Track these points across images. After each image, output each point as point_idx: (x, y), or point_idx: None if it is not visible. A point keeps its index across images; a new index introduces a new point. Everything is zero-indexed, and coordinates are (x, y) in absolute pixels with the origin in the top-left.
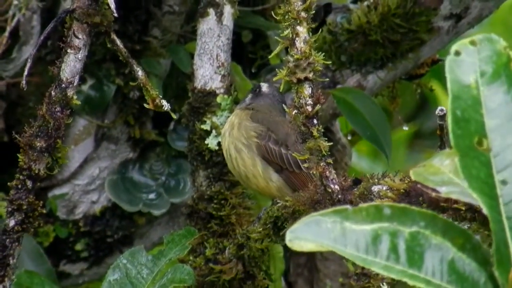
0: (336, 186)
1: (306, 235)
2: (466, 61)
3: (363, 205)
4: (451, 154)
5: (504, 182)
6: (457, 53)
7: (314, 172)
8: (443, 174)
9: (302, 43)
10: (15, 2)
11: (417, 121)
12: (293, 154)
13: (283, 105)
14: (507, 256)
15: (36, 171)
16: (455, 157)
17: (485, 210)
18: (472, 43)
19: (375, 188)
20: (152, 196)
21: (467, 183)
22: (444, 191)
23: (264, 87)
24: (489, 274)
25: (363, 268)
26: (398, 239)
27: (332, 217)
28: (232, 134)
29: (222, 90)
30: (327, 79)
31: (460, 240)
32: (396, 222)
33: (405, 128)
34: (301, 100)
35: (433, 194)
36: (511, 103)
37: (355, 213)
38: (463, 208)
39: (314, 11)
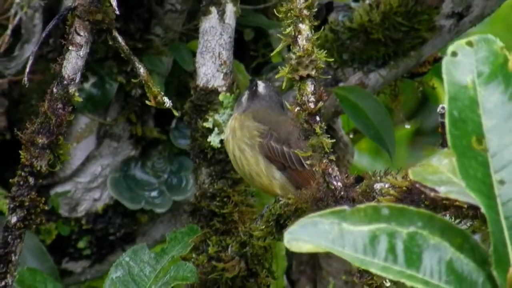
0: (339, 183)
1: (304, 236)
2: (463, 61)
3: (361, 205)
4: (449, 153)
5: (502, 182)
6: (454, 54)
7: (317, 169)
8: (442, 173)
9: (304, 40)
10: (17, 0)
11: (419, 119)
12: (295, 152)
13: (285, 102)
14: (506, 256)
15: (38, 168)
16: (453, 157)
17: (483, 210)
18: (469, 43)
19: (377, 186)
20: (154, 194)
21: (464, 183)
22: (443, 190)
23: (261, 87)
24: (487, 274)
25: None
26: (396, 239)
27: (330, 218)
28: (235, 136)
29: (224, 88)
30: (329, 77)
31: (458, 240)
32: (394, 223)
33: (407, 126)
34: (303, 97)
35: (432, 194)
36: (508, 103)
37: (353, 214)
38: (465, 206)
39: (316, 9)
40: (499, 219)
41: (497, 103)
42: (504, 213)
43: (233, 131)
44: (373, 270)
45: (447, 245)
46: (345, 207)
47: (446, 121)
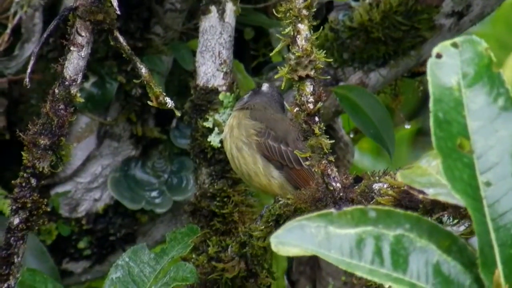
0: (338, 184)
1: (290, 240)
2: (448, 63)
3: (348, 208)
4: (436, 155)
5: (487, 184)
6: (439, 56)
7: (316, 170)
8: (430, 175)
9: (303, 40)
10: (17, 0)
11: (419, 119)
12: (294, 152)
13: (284, 103)
14: (492, 258)
15: (40, 169)
16: (438, 159)
17: (469, 212)
18: (454, 45)
19: (376, 186)
20: (154, 194)
21: (450, 185)
22: (431, 192)
23: (265, 86)
24: (474, 276)
25: None
26: (383, 242)
27: (316, 222)
28: (232, 135)
29: (224, 88)
30: (329, 77)
31: (445, 242)
32: (381, 225)
33: (407, 126)
34: (302, 98)
35: (420, 196)
36: (493, 104)
37: (339, 217)
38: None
39: (315, 9)
40: (485, 221)
41: (482, 104)
42: (490, 214)
43: (231, 130)
44: (359, 273)
45: (434, 247)
46: (332, 210)
47: (431, 122)
